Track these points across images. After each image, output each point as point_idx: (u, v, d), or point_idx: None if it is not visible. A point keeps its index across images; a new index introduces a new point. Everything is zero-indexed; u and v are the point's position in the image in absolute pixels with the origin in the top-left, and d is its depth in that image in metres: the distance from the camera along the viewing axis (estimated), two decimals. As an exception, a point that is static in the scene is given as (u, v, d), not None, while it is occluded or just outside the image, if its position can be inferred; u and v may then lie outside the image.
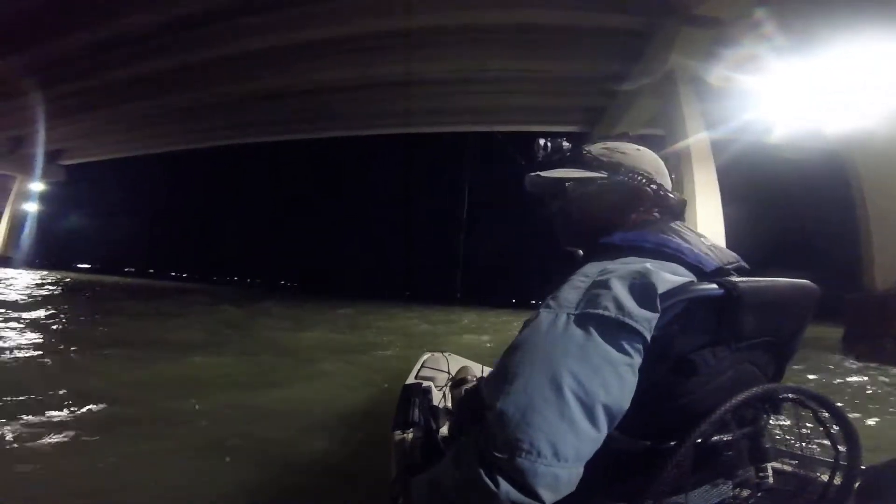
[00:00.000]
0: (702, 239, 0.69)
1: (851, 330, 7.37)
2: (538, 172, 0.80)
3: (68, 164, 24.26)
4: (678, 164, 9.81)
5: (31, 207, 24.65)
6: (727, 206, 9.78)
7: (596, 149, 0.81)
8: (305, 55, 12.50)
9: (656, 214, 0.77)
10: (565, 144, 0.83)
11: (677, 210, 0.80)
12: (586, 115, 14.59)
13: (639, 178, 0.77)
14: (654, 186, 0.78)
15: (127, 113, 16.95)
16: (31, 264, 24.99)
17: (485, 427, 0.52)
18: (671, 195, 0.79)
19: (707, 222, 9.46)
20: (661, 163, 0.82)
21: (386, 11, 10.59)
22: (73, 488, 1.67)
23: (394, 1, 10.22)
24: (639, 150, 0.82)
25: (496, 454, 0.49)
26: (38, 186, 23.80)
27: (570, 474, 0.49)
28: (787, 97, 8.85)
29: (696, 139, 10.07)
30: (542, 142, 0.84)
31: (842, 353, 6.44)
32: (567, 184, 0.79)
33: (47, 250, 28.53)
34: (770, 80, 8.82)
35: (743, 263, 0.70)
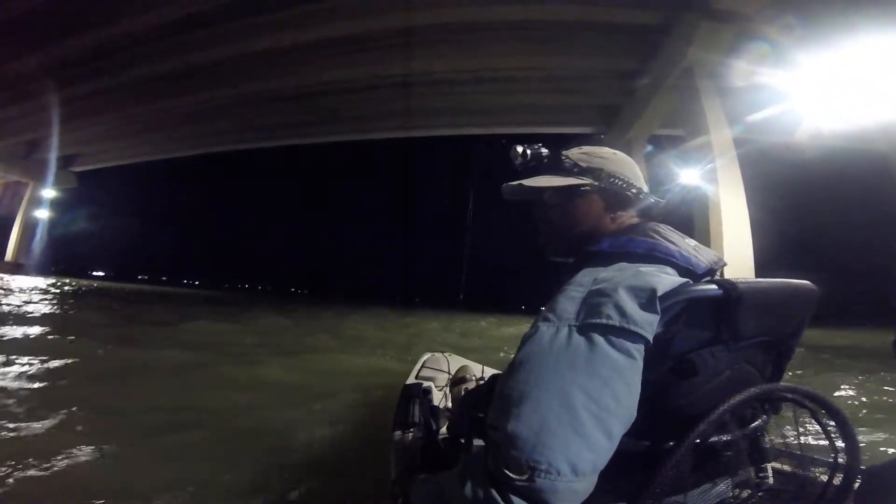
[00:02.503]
0: (685, 240, 0.69)
1: None
2: (520, 181, 0.79)
3: (80, 171, 24.55)
4: (700, 162, 9.49)
5: (43, 214, 24.87)
6: (754, 206, 9.36)
7: (574, 154, 0.80)
8: (311, 55, 12.53)
9: (637, 218, 0.78)
10: (543, 151, 0.82)
11: (657, 212, 0.80)
12: (601, 115, 14.34)
13: (619, 182, 0.77)
14: (634, 190, 0.77)
15: (138, 116, 17.18)
16: (44, 271, 25.19)
17: (495, 448, 0.51)
18: (651, 198, 0.80)
19: (732, 222, 9.06)
20: (637, 166, 0.82)
21: (387, 9, 10.49)
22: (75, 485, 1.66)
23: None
24: (615, 153, 0.81)
25: (511, 475, 0.48)
26: (50, 193, 24.03)
27: (586, 486, 0.49)
28: (817, 91, 8.49)
29: (718, 136, 9.71)
30: (519, 149, 0.82)
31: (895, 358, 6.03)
32: (547, 192, 0.78)
33: (60, 258, 28.88)
34: (798, 75, 8.48)
35: (724, 262, 0.71)
